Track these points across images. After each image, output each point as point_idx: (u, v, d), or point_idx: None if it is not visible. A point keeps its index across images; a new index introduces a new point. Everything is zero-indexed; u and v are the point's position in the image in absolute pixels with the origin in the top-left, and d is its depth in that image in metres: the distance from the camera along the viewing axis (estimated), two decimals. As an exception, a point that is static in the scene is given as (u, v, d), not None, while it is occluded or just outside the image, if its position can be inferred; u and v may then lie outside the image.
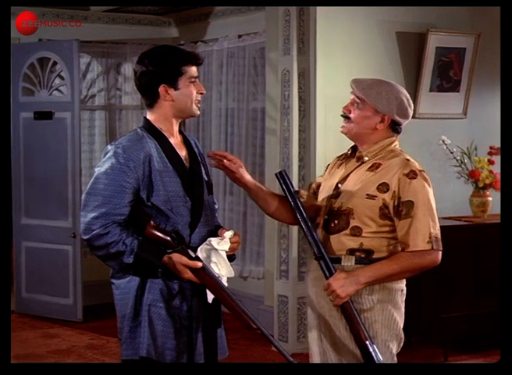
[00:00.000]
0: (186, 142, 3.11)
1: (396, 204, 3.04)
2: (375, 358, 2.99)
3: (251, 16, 6.85)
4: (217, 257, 2.94)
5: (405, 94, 3.17)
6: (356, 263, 3.07)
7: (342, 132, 3.21)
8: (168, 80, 2.97)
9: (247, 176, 3.25)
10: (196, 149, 3.13)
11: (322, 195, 3.24)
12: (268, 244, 6.51)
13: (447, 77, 6.17)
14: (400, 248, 3.08)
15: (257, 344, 5.91)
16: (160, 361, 2.92)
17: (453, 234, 5.48)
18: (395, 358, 3.13)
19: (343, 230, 3.09)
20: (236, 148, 7.11)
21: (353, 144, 3.27)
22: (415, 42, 6.06)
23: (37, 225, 6.92)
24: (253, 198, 3.34)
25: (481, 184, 5.96)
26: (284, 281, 5.96)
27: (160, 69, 2.97)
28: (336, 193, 3.16)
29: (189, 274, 2.88)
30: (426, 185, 3.07)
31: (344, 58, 5.81)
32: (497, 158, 5.84)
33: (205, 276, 2.89)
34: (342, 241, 3.09)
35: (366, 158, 3.16)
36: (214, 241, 2.95)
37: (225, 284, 2.95)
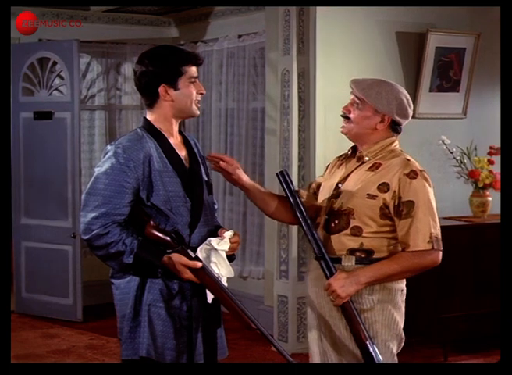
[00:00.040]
0: (185, 142, 3.11)
1: (396, 204, 3.04)
2: (375, 359, 2.99)
3: (251, 16, 6.85)
4: (217, 257, 2.94)
5: (405, 94, 3.17)
6: (356, 263, 3.07)
7: (342, 132, 3.21)
8: (168, 81, 2.97)
9: (245, 178, 3.25)
10: (196, 149, 3.14)
11: (322, 195, 3.24)
12: (268, 244, 6.51)
13: (447, 77, 6.17)
14: (400, 248, 3.08)
15: (257, 344, 5.91)
16: (160, 361, 2.92)
17: (453, 234, 5.47)
18: (395, 358, 3.13)
19: (343, 230, 3.09)
20: (236, 148, 7.11)
21: (353, 144, 3.27)
22: (415, 42, 6.06)
23: (37, 225, 6.92)
24: (251, 199, 3.34)
25: (480, 184, 5.96)
26: (284, 281, 5.96)
27: (160, 70, 2.97)
28: (337, 193, 3.16)
29: (188, 274, 2.88)
30: (427, 185, 3.07)
31: (344, 59, 5.81)
32: (497, 159, 5.84)
33: (205, 276, 2.89)
34: (342, 241, 3.09)
35: (366, 159, 3.16)
36: (214, 241, 2.95)
37: (225, 284, 2.95)
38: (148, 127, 3.02)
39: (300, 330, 5.91)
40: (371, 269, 3.03)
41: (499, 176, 5.83)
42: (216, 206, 3.22)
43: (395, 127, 3.18)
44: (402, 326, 3.14)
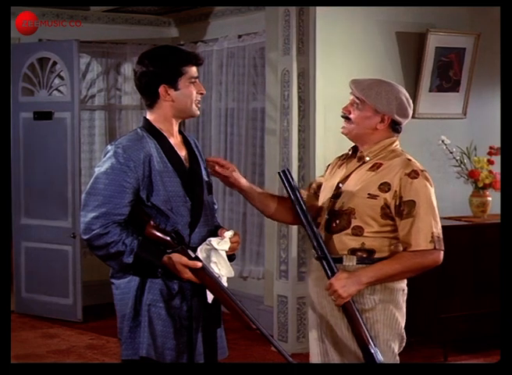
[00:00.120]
0: (186, 142, 3.11)
1: (397, 203, 3.04)
2: (376, 359, 2.99)
3: (251, 16, 6.85)
4: (217, 257, 2.94)
5: (404, 94, 3.18)
6: (357, 263, 3.07)
7: (342, 133, 3.21)
8: (168, 81, 2.97)
9: (242, 180, 3.26)
10: (196, 149, 3.14)
11: (323, 195, 3.24)
12: (268, 244, 6.51)
13: (447, 77, 6.17)
14: (401, 248, 3.08)
15: (257, 344, 5.91)
16: (160, 361, 2.92)
17: (453, 234, 5.47)
18: (397, 358, 3.13)
19: (344, 230, 3.09)
20: (236, 148, 7.11)
21: (353, 144, 3.27)
22: (415, 42, 6.06)
23: (37, 225, 6.92)
24: (250, 201, 3.34)
25: (480, 184, 5.96)
26: (284, 281, 5.96)
27: (160, 70, 2.97)
28: (337, 193, 3.16)
29: (188, 274, 2.88)
30: (428, 185, 3.07)
31: (344, 59, 5.81)
32: (497, 159, 5.85)
33: (205, 276, 2.89)
34: (343, 241, 3.09)
35: (367, 158, 3.16)
36: (214, 240, 2.95)
37: (225, 284, 2.95)
38: (148, 127, 3.02)
39: (300, 330, 5.91)
40: (373, 269, 3.03)
41: (498, 176, 5.83)
42: (216, 206, 3.22)
43: (395, 127, 3.18)
44: (403, 325, 3.14)
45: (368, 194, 3.07)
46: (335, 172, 3.27)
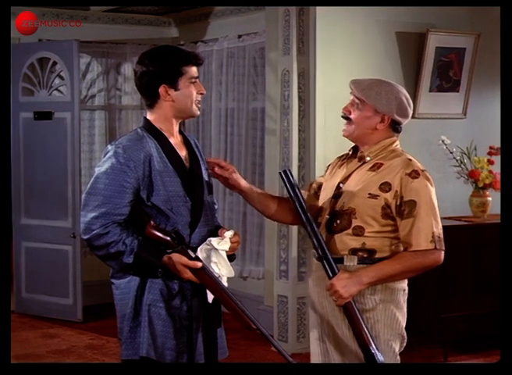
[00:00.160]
0: (186, 142, 3.11)
1: (398, 203, 3.04)
2: (377, 359, 2.99)
3: (251, 16, 6.85)
4: (217, 257, 2.95)
5: (404, 94, 3.18)
6: (358, 263, 3.07)
7: (344, 135, 3.21)
8: (168, 81, 2.97)
9: (242, 181, 3.26)
10: (196, 149, 3.14)
11: (324, 195, 3.24)
12: (268, 244, 6.51)
13: (447, 77, 6.17)
14: (402, 248, 3.08)
15: (257, 344, 5.91)
16: (160, 361, 2.92)
17: (453, 234, 5.47)
18: (398, 358, 3.13)
19: (345, 230, 3.09)
20: (236, 148, 7.11)
21: (353, 144, 3.27)
22: (415, 42, 6.06)
23: (37, 225, 6.92)
24: (250, 203, 3.35)
25: (480, 184, 5.96)
26: (284, 281, 5.96)
27: (160, 70, 2.97)
28: (338, 193, 3.16)
29: (189, 274, 2.88)
30: (428, 185, 3.07)
31: (344, 59, 5.81)
32: (497, 159, 5.85)
33: (205, 276, 2.89)
34: (344, 241, 3.09)
35: (368, 158, 3.16)
36: (214, 240, 2.95)
37: (226, 284, 2.95)
38: (149, 127, 3.02)
39: (300, 330, 5.91)
40: (374, 270, 3.03)
41: (498, 176, 5.83)
42: (216, 206, 3.22)
43: (395, 127, 3.18)
44: (404, 325, 3.14)
45: (369, 194, 3.07)
46: (335, 172, 3.27)
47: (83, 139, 7.43)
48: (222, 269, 2.95)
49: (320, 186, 3.33)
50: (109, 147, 2.97)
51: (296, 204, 3.13)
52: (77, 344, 6.16)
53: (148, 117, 3.05)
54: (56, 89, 7.03)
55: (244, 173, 6.77)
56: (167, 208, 2.94)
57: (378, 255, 3.07)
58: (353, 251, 3.08)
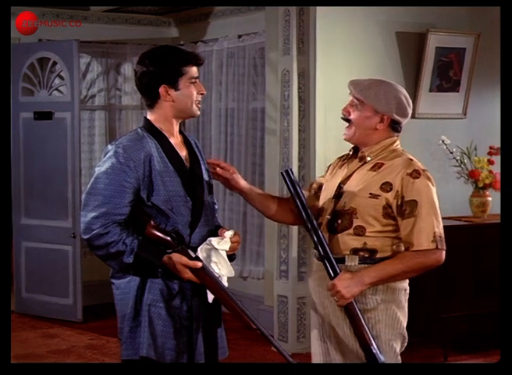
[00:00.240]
0: (186, 142, 3.11)
1: (399, 203, 3.04)
2: (379, 359, 2.99)
3: (251, 16, 6.85)
4: (217, 257, 2.95)
5: (403, 93, 3.18)
6: (359, 263, 3.07)
7: (345, 139, 3.21)
8: (168, 81, 2.97)
9: (242, 182, 3.27)
10: (196, 149, 3.14)
11: (324, 195, 3.24)
12: (268, 244, 6.51)
13: (447, 77, 6.17)
14: (403, 248, 3.08)
15: (257, 344, 5.91)
16: (160, 361, 2.92)
17: (453, 234, 5.46)
18: (399, 358, 3.13)
19: (346, 230, 3.09)
20: (236, 148, 7.11)
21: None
22: (415, 42, 6.06)
23: (37, 225, 6.92)
24: (250, 203, 3.35)
25: (480, 184, 5.96)
26: (284, 281, 5.96)
27: (160, 70, 2.97)
28: (339, 193, 3.16)
29: (189, 274, 2.88)
30: (430, 184, 3.08)
31: (344, 59, 5.81)
32: (497, 159, 5.84)
33: (205, 276, 2.89)
34: (345, 241, 3.09)
35: (368, 159, 3.16)
36: (214, 240, 2.95)
37: (226, 284, 2.95)
38: (149, 127, 3.02)
39: (300, 330, 5.91)
40: (375, 270, 3.04)
41: (499, 176, 5.83)
42: (216, 206, 3.22)
43: (395, 127, 3.18)
44: (405, 325, 3.15)
45: (370, 193, 3.07)
46: (336, 172, 3.27)
47: (83, 139, 7.43)
48: (222, 269, 2.95)
49: (320, 186, 3.33)
50: (109, 147, 2.97)
51: (298, 202, 3.13)
52: (77, 344, 6.16)
53: (148, 117, 3.05)
54: (56, 89, 7.03)
55: (244, 173, 6.77)
56: (167, 208, 2.94)
57: (379, 255, 3.07)
58: (355, 251, 3.08)
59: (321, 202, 3.25)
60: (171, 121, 3.04)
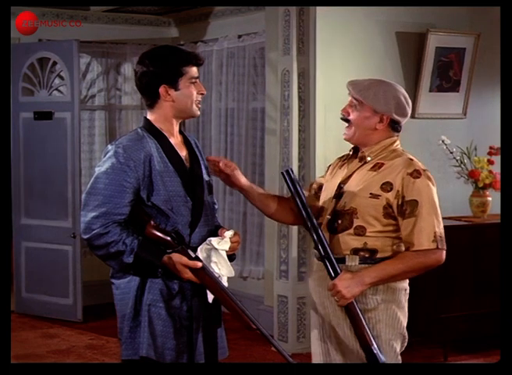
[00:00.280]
0: (186, 142, 3.12)
1: (400, 203, 3.04)
2: (379, 359, 2.99)
3: (251, 16, 6.85)
4: (217, 257, 2.95)
5: (402, 93, 3.18)
6: (360, 263, 3.07)
7: (345, 139, 3.21)
8: (168, 81, 2.97)
9: (243, 179, 3.27)
10: (196, 149, 3.14)
11: (325, 195, 3.24)
12: (268, 244, 6.51)
13: (447, 77, 6.17)
14: (403, 248, 3.08)
15: (257, 344, 5.91)
16: (160, 361, 2.92)
17: (453, 234, 5.45)
18: (399, 357, 3.13)
19: (346, 230, 3.09)
20: (236, 148, 7.11)
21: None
22: (415, 42, 6.06)
23: (37, 225, 6.92)
24: (250, 201, 3.35)
25: (480, 184, 5.96)
26: (284, 281, 5.96)
27: (161, 70, 2.97)
28: (339, 193, 3.16)
29: (189, 274, 2.88)
30: (430, 184, 3.08)
31: (344, 59, 5.81)
32: (497, 159, 5.84)
33: (205, 276, 2.89)
34: (346, 241, 3.09)
35: (368, 159, 3.16)
36: (214, 240, 2.96)
37: (226, 284, 2.95)
38: (149, 127, 3.03)
39: (300, 330, 5.91)
40: (376, 270, 3.04)
41: (498, 176, 5.83)
42: (216, 206, 3.22)
43: (394, 126, 3.18)
44: (405, 325, 3.15)
45: (370, 193, 3.07)
46: (336, 172, 3.27)
47: (83, 139, 7.43)
48: (222, 269, 2.95)
49: (320, 186, 3.33)
50: (109, 147, 2.97)
51: (297, 200, 3.13)
52: (77, 344, 6.16)
53: (148, 117, 3.05)
54: (56, 89, 7.03)
55: (244, 173, 6.63)
56: (167, 208, 2.94)
57: (379, 255, 3.07)
58: (355, 251, 3.08)
59: (321, 202, 3.25)
60: (171, 121, 3.04)
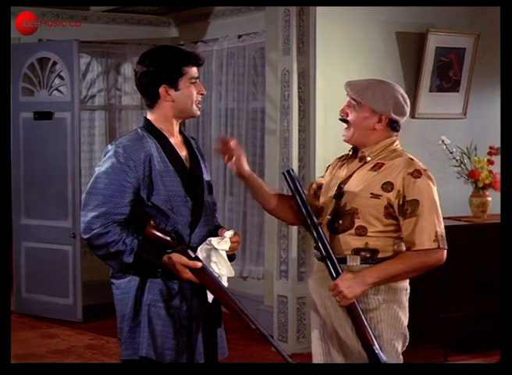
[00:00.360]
0: (186, 142, 3.12)
1: (400, 203, 3.04)
2: (381, 359, 2.99)
3: (251, 16, 6.85)
4: (217, 257, 2.95)
5: (400, 92, 3.18)
6: (361, 263, 3.07)
7: (344, 140, 3.21)
8: (168, 81, 2.98)
9: (247, 167, 3.25)
10: (196, 149, 3.14)
11: (324, 195, 3.24)
12: (268, 244, 6.51)
13: (447, 77, 6.17)
14: (404, 248, 3.08)
15: (257, 344, 5.91)
16: (160, 361, 2.92)
17: (452, 234, 5.40)
18: (400, 357, 3.14)
19: (347, 230, 3.09)
20: (236, 148, 7.09)
21: (353, 145, 3.27)
22: (415, 42, 6.06)
23: (37, 225, 6.92)
24: (251, 192, 3.33)
25: (480, 184, 5.96)
26: (284, 281, 5.96)
27: (161, 70, 2.97)
28: (340, 193, 3.15)
29: (188, 274, 2.88)
30: (431, 184, 3.08)
31: (344, 59, 5.81)
32: (497, 158, 5.85)
33: (205, 276, 2.89)
34: (347, 241, 3.09)
35: (368, 159, 3.16)
36: (214, 240, 2.96)
37: (226, 284, 2.95)
38: (149, 127, 3.03)
39: (300, 330, 5.91)
40: (377, 270, 3.04)
41: (498, 176, 5.83)
42: (216, 206, 3.22)
43: (393, 126, 3.18)
44: (406, 324, 3.15)
45: (371, 193, 3.07)
46: (335, 173, 3.27)
47: (83, 139, 7.43)
48: (222, 269, 2.95)
49: (319, 186, 3.33)
50: (109, 146, 2.98)
51: (298, 198, 3.13)
52: (77, 344, 6.16)
53: (148, 117, 3.05)
54: (56, 89, 7.03)
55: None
56: (167, 208, 2.94)
57: (380, 255, 3.07)
58: (356, 251, 3.08)
59: (320, 202, 3.25)
60: (171, 121, 3.04)
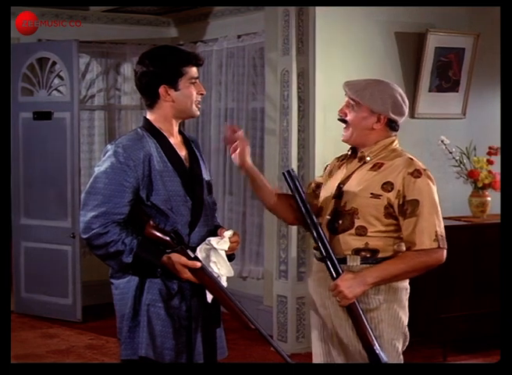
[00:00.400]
0: (186, 142, 3.12)
1: (401, 203, 3.04)
2: (382, 360, 2.99)
3: (251, 16, 6.85)
4: (216, 256, 2.95)
5: (399, 92, 3.17)
6: (361, 263, 3.07)
7: (343, 140, 3.21)
8: (168, 81, 2.98)
9: (249, 159, 3.22)
10: (196, 149, 3.14)
11: (324, 195, 3.24)
12: (268, 244, 6.51)
13: (446, 77, 6.17)
14: (404, 248, 3.08)
15: (257, 344, 5.91)
16: (159, 361, 2.92)
17: (452, 234, 5.41)
18: (401, 357, 3.14)
19: (347, 230, 3.09)
20: (236, 148, 7.09)
21: (352, 145, 3.27)
22: (414, 42, 6.06)
23: (37, 225, 6.92)
24: (252, 186, 3.30)
25: (480, 184, 5.96)
26: (283, 281, 5.96)
27: (160, 70, 2.97)
28: (339, 193, 3.15)
29: (188, 274, 2.88)
30: (431, 183, 3.08)
31: (343, 59, 5.81)
32: (496, 159, 5.85)
33: (204, 276, 2.89)
34: (347, 241, 3.09)
35: (368, 159, 3.16)
36: (213, 240, 2.96)
37: (225, 284, 2.95)
38: (148, 127, 3.03)
39: (300, 330, 5.90)
40: (378, 270, 3.04)
41: (498, 176, 5.83)
42: (216, 206, 3.22)
43: (392, 125, 3.18)
44: (406, 324, 3.15)
45: (371, 193, 3.07)
46: (334, 173, 3.27)
47: (83, 139, 7.43)
48: (222, 269, 2.95)
49: (318, 185, 3.33)
50: (109, 146, 2.98)
51: (297, 197, 3.12)
52: (77, 344, 6.16)
53: (148, 117, 3.05)
54: (56, 89, 7.03)
55: (244, 173, 6.75)
56: (167, 208, 2.94)
57: (381, 255, 3.07)
58: (356, 252, 3.08)
59: (320, 202, 3.25)
60: (170, 121, 3.04)
